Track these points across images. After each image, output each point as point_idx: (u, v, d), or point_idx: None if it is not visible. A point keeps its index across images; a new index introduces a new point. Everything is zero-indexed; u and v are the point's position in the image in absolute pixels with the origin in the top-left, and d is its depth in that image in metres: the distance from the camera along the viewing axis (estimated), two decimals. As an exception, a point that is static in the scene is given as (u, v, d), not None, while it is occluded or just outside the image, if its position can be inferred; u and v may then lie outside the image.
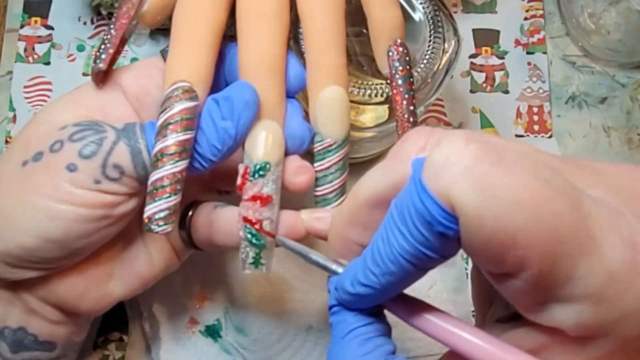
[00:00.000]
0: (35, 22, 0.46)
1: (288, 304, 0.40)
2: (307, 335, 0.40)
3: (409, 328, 0.40)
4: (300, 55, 0.32)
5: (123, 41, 0.30)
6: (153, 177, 0.26)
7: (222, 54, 0.30)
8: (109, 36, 0.30)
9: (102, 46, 0.29)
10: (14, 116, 0.44)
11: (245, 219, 0.28)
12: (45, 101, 0.44)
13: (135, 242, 0.33)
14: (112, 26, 0.30)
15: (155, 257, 0.33)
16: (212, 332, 0.40)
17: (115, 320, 0.40)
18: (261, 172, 0.28)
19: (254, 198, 0.28)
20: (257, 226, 0.28)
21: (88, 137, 0.27)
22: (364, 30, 0.33)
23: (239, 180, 0.28)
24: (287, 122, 0.30)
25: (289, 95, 0.30)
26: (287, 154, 0.30)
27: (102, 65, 0.29)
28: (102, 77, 0.30)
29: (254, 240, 0.28)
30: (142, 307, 0.40)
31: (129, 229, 0.31)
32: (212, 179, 0.34)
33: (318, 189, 0.30)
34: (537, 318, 0.20)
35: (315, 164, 0.30)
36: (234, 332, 0.40)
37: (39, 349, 0.31)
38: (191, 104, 0.27)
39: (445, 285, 0.42)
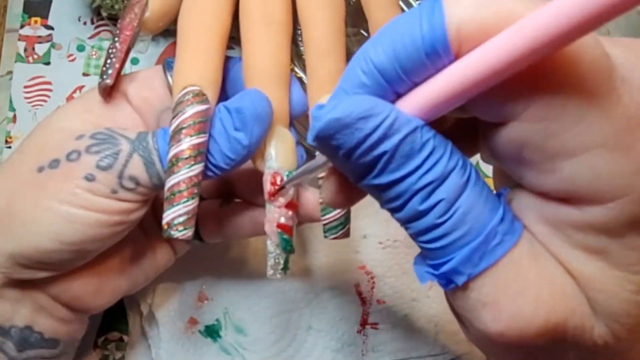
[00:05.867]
0: (35, 22, 0.46)
1: (288, 304, 0.40)
2: (307, 335, 0.40)
3: (409, 328, 0.40)
4: (298, 56, 0.32)
5: (128, 51, 0.30)
6: (169, 182, 0.27)
7: (225, 69, 0.31)
8: (114, 50, 0.30)
9: (108, 61, 0.30)
10: (14, 116, 0.44)
11: (280, 226, 0.28)
12: (45, 101, 0.44)
13: (141, 240, 0.34)
14: (116, 39, 0.30)
15: (158, 254, 0.35)
16: (212, 332, 0.40)
17: (115, 320, 0.40)
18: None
19: (287, 205, 0.28)
20: (290, 232, 0.28)
21: (105, 151, 0.27)
22: (363, 32, 0.33)
23: (269, 188, 0.28)
24: None
25: (290, 119, 0.30)
26: None
27: (109, 81, 0.29)
28: (110, 90, 0.30)
29: (287, 247, 0.28)
30: (142, 307, 0.40)
31: (136, 228, 0.32)
32: (225, 184, 0.35)
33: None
34: (546, 183, 0.18)
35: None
36: (233, 332, 0.40)
37: (44, 346, 0.31)
38: (202, 107, 0.27)
39: (445, 286, 0.42)
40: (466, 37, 0.17)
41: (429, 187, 0.18)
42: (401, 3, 0.34)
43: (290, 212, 0.28)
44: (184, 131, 0.27)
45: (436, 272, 0.19)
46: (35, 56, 0.45)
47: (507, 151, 0.19)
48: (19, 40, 0.45)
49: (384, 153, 0.18)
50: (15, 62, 0.45)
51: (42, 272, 0.29)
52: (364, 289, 0.41)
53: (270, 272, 0.29)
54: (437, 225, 0.18)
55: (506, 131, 0.18)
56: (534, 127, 0.17)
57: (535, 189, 0.19)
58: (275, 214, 0.28)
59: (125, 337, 0.40)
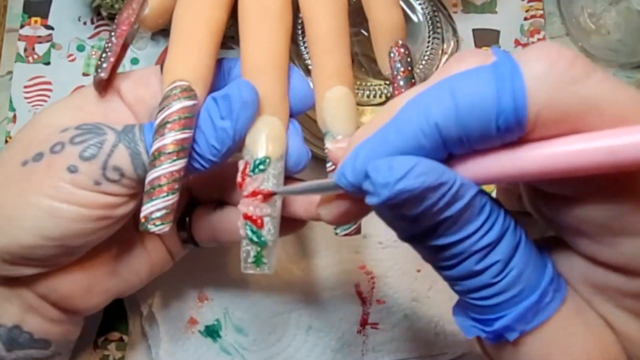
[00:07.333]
0: (35, 22, 0.46)
1: (288, 304, 0.40)
2: (307, 335, 0.40)
3: (410, 328, 0.40)
4: (298, 56, 0.32)
5: (125, 47, 0.30)
6: (150, 175, 0.26)
7: (227, 68, 0.30)
8: (110, 44, 0.29)
9: (104, 55, 0.29)
10: (14, 116, 0.44)
11: (246, 216, 0.27)
12: (45, 101, 0.44)
13: (134, 241, 0.33)
14: (113, 34, 0.30)
15: (152, 256, 0.34)
16: (212, 332, 0.40)
17: (115, 320, 0.40)
18: (261, 167, 0.27)
19: (254, 194, 0.27)
20: (258, 223, 0.27)
21: (89, 140, 0.27)
22: (363, 31, 0.33)
23: (238, 177, 0.27)
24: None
25: (293, 114, 0.30)
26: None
27: (103, 75, 0.29)
28: (105, 85, 0.30)
29: (254, 238, 0.27)
30: (142, 307, 0.40)
31: (129, 228, 0.32)
32: (222, 187, 0.34)
33: None
34: (603, 254, 0.18)
35: (329, 165, 0.30)
36: (233, 332, 0.40)
37: (34, 346, 0.31)
38: (189, 102, 0.27)
39: (445, 285, 0.42)
40: (544, 122, 0.17)
41: (486, 248, 0.18)
42: (402, 3, 0.34)
43: (258, 201, 0.27)
44: (168, 125, 0.26)
45: (487, 329, 0.19)
46: (35, 56, 0.45)
47: (565, 221, 0.19)
48: (19, 40, 0.45)
49: (448, 218, 0.18)
50: (15, 62, 0.45)
51: (27, 269, 0.28)
52: (364, 289, 0.41)
53: (242, 265, 0.28)
54: (491, 284, 0.19)
55: (569, 205, 0.18)
56: (601, 207, 0.18)
57: (588, 255, 0.19)
58: (243, 205, 0.27)
59: (125, 337, 0.40)
